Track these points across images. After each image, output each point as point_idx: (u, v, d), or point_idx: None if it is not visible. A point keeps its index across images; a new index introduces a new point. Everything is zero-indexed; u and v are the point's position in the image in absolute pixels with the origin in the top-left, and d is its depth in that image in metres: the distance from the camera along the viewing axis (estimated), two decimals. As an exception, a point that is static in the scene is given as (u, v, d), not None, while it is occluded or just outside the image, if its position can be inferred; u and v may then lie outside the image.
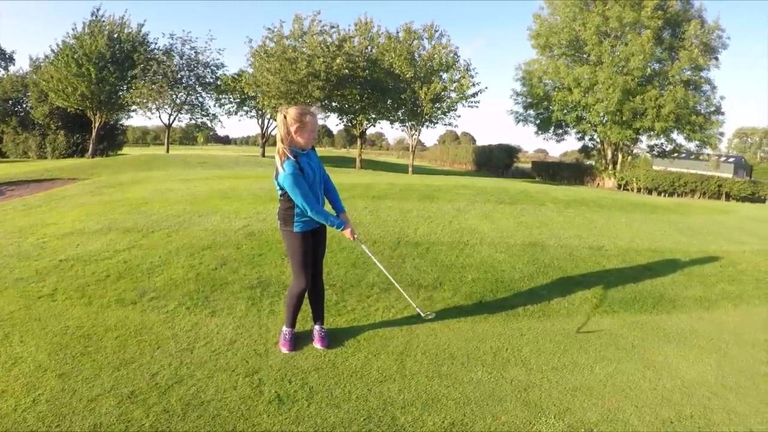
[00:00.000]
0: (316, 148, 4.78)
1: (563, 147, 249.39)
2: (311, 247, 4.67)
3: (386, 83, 36.50)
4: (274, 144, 6.50)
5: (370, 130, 50.67)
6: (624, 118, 36.93)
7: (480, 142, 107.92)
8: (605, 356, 5.12)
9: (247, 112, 48.68)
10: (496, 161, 56.36)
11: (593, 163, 46.15)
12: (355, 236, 4.71)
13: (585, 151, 46.44)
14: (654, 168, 46.32)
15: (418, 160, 66.56)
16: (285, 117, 4.30)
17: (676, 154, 41.72)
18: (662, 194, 38.02)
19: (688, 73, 36.34)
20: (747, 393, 4.62)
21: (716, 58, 37.16)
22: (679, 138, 39.60)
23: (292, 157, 4.28)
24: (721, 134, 38.31)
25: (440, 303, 6.15)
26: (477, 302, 6.29)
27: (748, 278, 8.56)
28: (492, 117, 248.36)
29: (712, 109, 37.70)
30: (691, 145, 40.21)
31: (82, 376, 4.05)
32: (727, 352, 5.52)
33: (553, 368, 4.78)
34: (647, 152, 43.89)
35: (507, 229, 9.66)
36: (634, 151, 43.37)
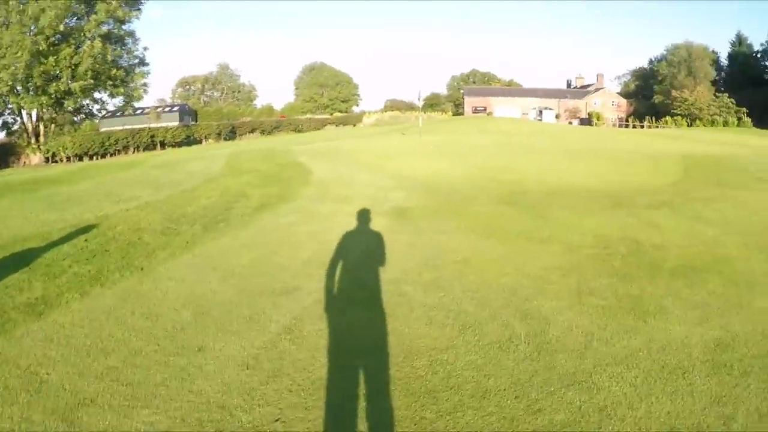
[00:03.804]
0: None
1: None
2: None
3: None
4: None
5: None
6: (38, 84, 33.91)
7: None
8: None
9: None
10: None
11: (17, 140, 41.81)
12: None
13: (6, 128, 41.44)
14: (103, 130, 45.39)
15: None
16: None
17: (108, 113, 41.43)
18: (95, 157, 37.65)
19: (109, 26, 35.58)
20: None
21: (139, 9, 37.56)
22: (104, 96, 39.20)
23: None
24: (145, 85, 39.47)
25: None
26: None
27: (115, 248, 7.92)
28: None
29: (136, 61, 38.36)
30: (117, 101, 40.35)
31: None
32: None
33: None
34: (73, 116, 42.12)
35: None
36: (75, 118, 41.03)
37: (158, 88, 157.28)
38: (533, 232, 8.66)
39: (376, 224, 9.04)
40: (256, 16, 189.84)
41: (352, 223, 8.91)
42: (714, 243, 8.31)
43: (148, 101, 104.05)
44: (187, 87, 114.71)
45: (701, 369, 4.29)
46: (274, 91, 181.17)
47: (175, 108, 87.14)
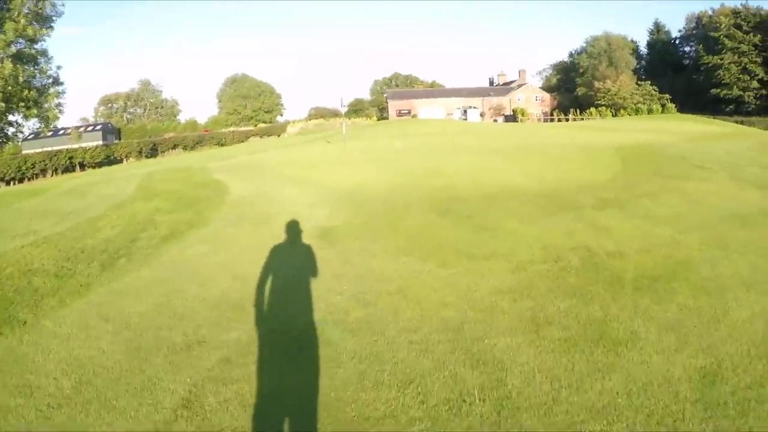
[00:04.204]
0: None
1: None
2: None
3: None
4: None
5: None
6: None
7: None
8: None
9: None
10: None
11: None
12: None
13: None
14: (25, 152, 43.97)
15: None
16: None
17: (31, 135, 39.34)
18: (12, 182, 36.21)
19: (20, 46, 33.15)
20: None
21: (50, 27, 35.11)
22: (19, 118, 36.91)
23: None
24: (60, 105, 37.19)
25: None
26: None
27: None
28: None
29: (50, 80, 36.01)
30: (32, 123, 38.20)
31: None
32: None
33: None
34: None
35: None
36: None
37: (81, 107, 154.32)
38: (474, 248, 7.88)
39: (298, 250, 8.12)
40: (175, 29, 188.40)
41: (270, 251, 7.92)
42: (672, 244, 7.87)
43: (70, 121, 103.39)
44: (110, 105, 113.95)
45: (693, 413, 3.69)
46: (198, 105, 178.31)
47: (98, 127, 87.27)
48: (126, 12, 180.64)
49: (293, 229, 9.12)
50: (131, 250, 8.67)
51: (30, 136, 42.95)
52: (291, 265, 7.42)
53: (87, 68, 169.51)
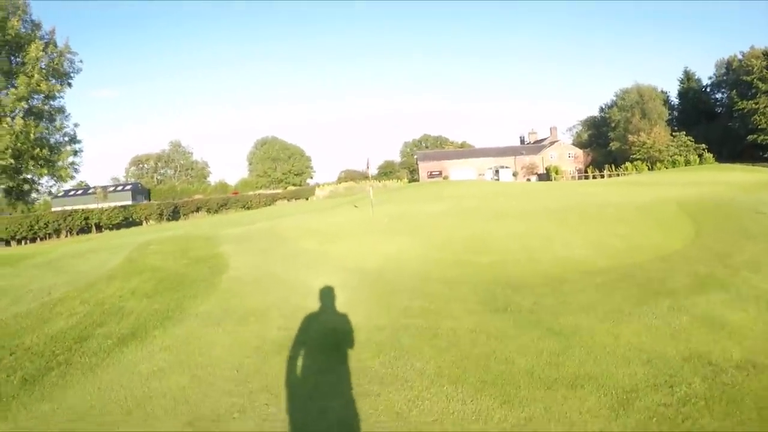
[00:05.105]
0: None
1: None
2: None
3: None
4: None
5: None
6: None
7: None
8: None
9: None
10: None
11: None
12: None
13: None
14: (54, 210, 45.11)
15: None
16: None
17: (39, 193, 39.08)
18: (23, 241, 36.19)
19: (36, 102, 33.18)
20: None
21: (69, 84, 35.13)
22: (34, 176, 36.47)
23: None
24: (74, 164, 36.39)
25: None
26: None
27: None
28: None
29: (66, 138, 35.70)
30: (45, 180, 37.60)
31: None
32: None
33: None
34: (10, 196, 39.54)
35: None
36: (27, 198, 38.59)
37: (113, 167, 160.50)
38: (550, 367, 5.48)
39: (293, 369, 5.85)
40: (207, 91, 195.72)
41: (251, 371, 5.75)
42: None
43: (102, 180, 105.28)
44: (140, 165, 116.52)
45: None
46: (229, 166, 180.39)
47: (128, 187, 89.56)
48: (160, 75, 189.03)
49: (292, 331, 6.94)
50: (74, 355, 6.59)
51: (60, 193, 42.69)
52: (277, 399, 5.18)
53: (120, 128, 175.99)
